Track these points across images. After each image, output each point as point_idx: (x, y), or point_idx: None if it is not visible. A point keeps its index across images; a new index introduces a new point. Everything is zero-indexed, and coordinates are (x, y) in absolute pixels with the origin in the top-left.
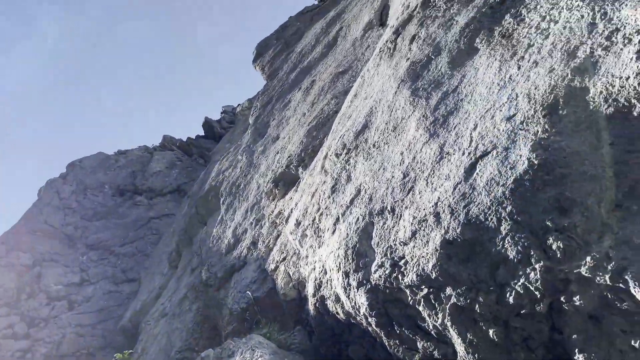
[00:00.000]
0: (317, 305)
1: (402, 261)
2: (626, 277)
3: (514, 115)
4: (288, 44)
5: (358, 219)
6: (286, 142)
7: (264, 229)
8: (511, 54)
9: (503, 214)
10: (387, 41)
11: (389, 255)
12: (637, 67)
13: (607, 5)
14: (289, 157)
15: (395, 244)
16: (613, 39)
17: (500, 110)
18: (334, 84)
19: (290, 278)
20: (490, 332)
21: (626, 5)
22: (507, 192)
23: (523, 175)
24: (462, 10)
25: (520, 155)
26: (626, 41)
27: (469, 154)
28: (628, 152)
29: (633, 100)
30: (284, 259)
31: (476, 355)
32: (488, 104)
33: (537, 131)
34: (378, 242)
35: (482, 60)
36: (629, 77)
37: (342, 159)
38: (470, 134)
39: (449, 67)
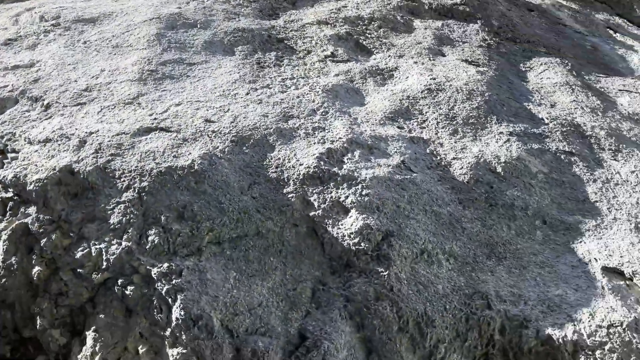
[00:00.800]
0: None
1: None
2: (178, 297)
3: (215, 122)
4: None
5: None
6: None
7: None
8: (253, 79)
9: (136, 186)
10: None
11: None
12: (314, 161)
13: (334, 108)
14: None
15: None
16: (316, 133)
17: (207, 110)
18: None
19: None
20: None
21: (341, 120)
22: (160, 171)
23: (191, 166)
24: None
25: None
26: (322, 142)
27: (152, 117)
28: (264, 208)
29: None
30: None
31: None
32: (203, 98)
33: (220, 147)
34: None
35: (230, 64)
36: (303, 163)
37: (45, 26)
38: (169, 107)
39: (203, 46)
